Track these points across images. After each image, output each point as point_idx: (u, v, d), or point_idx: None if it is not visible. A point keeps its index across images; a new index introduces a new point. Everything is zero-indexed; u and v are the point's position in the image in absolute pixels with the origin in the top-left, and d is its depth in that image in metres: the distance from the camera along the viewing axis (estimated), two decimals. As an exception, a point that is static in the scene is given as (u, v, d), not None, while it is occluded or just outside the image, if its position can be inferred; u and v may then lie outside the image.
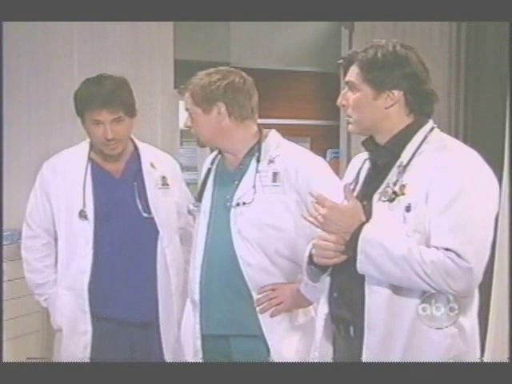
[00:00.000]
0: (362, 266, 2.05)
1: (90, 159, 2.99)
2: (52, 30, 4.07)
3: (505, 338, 3.30)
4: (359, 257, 2.05)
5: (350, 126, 2.22)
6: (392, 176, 2.12)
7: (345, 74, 2.22)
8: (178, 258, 2.99)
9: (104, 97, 2.85)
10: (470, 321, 2.10)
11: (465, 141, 3.79)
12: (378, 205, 2.11)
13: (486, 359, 3.39)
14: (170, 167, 3.11)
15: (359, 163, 2.29)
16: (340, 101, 2.21)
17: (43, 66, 4.14)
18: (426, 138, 2.14)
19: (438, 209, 2.02)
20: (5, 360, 2.65)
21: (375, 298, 2.07)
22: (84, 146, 3.03)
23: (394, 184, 2.09)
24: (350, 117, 2.20)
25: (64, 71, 4.12)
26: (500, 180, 3.47)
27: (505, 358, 2.92)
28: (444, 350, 2.05)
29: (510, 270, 3.28)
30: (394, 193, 2.08)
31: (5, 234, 3.49)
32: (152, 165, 3.03)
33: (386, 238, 2.04)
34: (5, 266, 3.05)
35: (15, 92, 4.00)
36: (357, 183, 2.25)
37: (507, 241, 3.30)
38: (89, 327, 2.93)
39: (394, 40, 2.18)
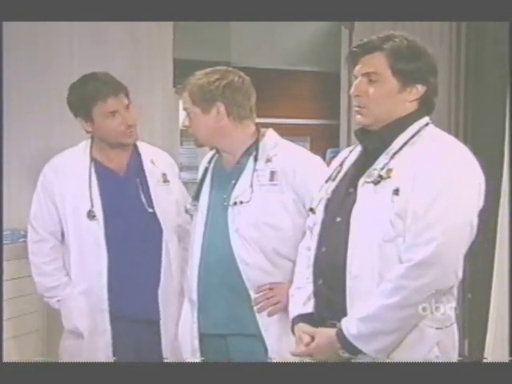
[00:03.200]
0: (371, 348, 2.04)
1: (92, 158, 2.98)
2: (52, 30, 4.07)
3: (505, 338, 3.31)
4: (359, 344, 2.04)
5: (359, 117, 2.15)
6: (380, 161, 2.10)
7: (353, 65, 2.15)
8: (179, 255, 2.98)
9: (111, 86, 2.86)
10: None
11: (465, 141, 3.79)
12: (363, 188, 2.09)
13: (485, 359, 3.41)
14: (169, 165, 3.11)
15: (346, 153, 2.29)
16: (353, 91, 2.14)
17: (43, 66, 4.13)
18: (419, 131, 2.12)
19: (423, 199, 2.00)
20: (5, 360, 2.65)
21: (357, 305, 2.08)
22: (84, 145, 3.02)
23: (381, 168, 2.07)
24: (363, 107, 2.13)
25: (64, 71, 4.11)
26: (500, 180, 3.49)
27: (505, 358, 2.92)
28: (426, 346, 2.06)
29: (510, 270, 3.28)
30: (380, 176, 2.06)
31: (5, 233, 3.49)
32: (152, 162, 3.03)
33: (359, 311, 2.05)
34: (5, 265, 3.04)
35: (15, 92, 4.00)
36: (339, 172, 2.24)
37: (507, 241, 3.30)
38: (107, 326, 2.91)
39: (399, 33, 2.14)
